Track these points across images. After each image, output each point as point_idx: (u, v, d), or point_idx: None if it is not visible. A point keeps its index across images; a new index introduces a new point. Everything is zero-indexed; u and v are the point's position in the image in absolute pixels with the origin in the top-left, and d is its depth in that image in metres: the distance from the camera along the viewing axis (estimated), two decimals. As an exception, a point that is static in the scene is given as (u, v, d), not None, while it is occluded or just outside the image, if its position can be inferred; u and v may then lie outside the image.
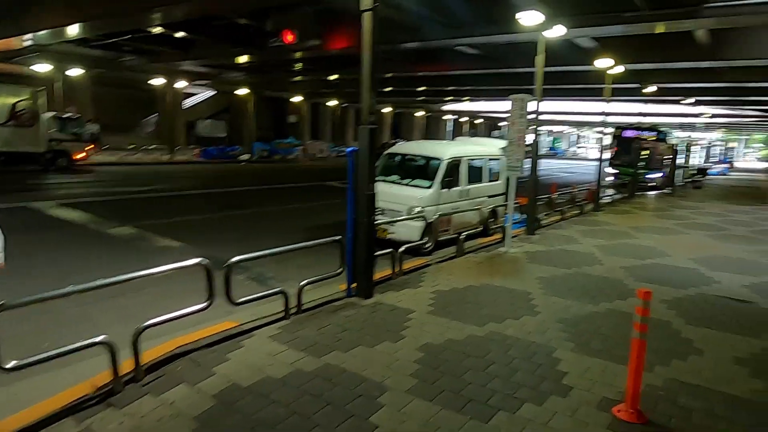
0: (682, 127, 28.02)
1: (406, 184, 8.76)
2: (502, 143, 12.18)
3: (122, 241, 8.40)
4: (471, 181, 9.33)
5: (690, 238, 10.03)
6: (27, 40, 22.06)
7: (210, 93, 42.26)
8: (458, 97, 39.64)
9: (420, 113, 54.12)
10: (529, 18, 8.37)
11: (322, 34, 16.67)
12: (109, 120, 30.91)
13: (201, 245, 8.17)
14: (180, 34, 21.13)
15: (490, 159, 10.04)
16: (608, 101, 14.13)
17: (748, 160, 74.89)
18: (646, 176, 21.70)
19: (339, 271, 5.43)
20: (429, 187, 8.50)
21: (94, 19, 17.63)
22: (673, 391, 3.66)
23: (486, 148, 10.35)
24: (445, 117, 58.95)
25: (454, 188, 8.85)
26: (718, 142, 60.40)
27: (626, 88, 20.74)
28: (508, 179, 10.57)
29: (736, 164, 54.39)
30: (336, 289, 5.66)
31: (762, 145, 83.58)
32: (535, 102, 9.14)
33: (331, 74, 30.20)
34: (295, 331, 4.48)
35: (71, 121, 19.44)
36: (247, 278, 6.63)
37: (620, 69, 14.32)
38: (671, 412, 3.38)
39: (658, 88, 20.51)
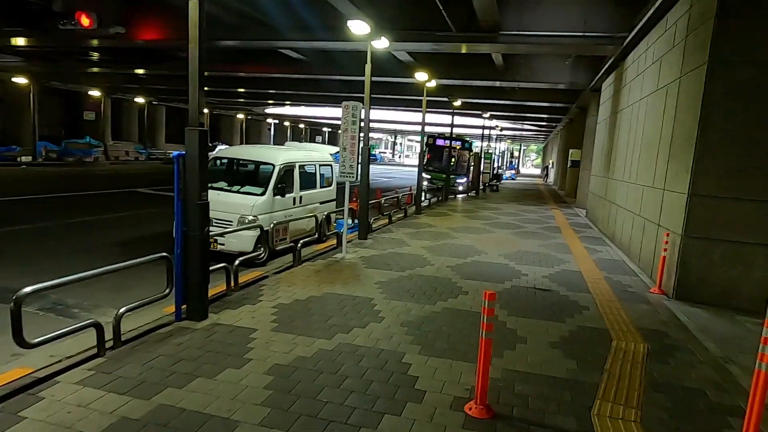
0: (481, 137, 32.20)
1: (236, 191, 8.19)
2: (333, 149, 12.31)
3: None
4: (303, 188, 9.15)
5: (497, 236, 11.35)
6: None
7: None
8: (280, 101, 39.08)
9: (240, 116, 52.09)
10: (357, 27, 8.53)
11: (126, 21, 14.75)
12: None
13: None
14: None
15: (322, 165, 10.00)
16: (425, 112, 15.28)
17: (527, 167, 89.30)
18: (456, 181, 24.16)
19: (166, 292, 4.74)
20: (261, 194, 8.06)
21: None
22: (510, 381, 3.98)
23: (317, 153, 10.29)
24: (267, 121, 57.71)
25: (288, 195, 8.56)
26: (506, 151, 70.61)
27: (439, 101, 22.82)
28: (337, 185, 10.76)
29: (520, 170, 64.25)
30: (161, 312, 4.95)
31: (535, 154, 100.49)
32: (364, 110, 9.37)
33: (137, 68, 27.09)
34: (114, 370, 3.74)
35: None
36: (41, 309, 5.43)
37: (433, 83, 15.62)
38: (512, 401, 3.65)
39: (463, 102, 22.98)
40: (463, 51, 14.80)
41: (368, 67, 9.26)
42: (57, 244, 8.84)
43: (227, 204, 7.79)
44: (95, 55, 25.10)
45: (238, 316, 5.07)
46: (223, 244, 7.59)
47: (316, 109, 45.74)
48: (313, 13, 13.31)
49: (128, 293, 5.99)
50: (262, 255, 7.40)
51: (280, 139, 56.87)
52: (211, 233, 7.73)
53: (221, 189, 8.18)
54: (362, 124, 8.55)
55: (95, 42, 18.92)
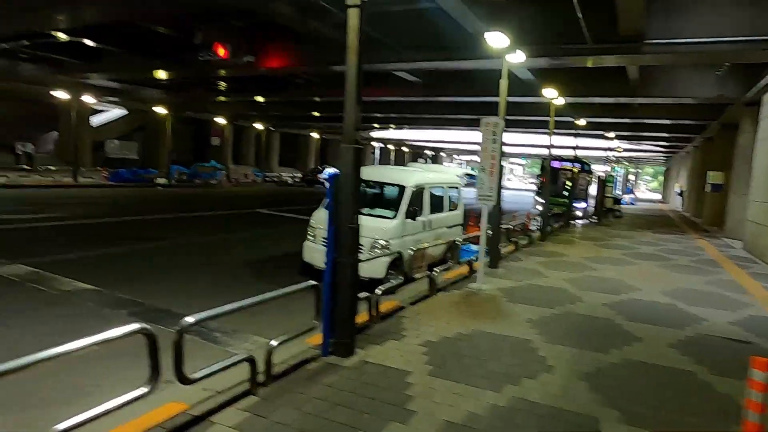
0: (606, 159, 29.88)
1: (366, 214, 7.84)
2: (460, 171, 11.73)
3: (14, 283, 6.66)
4: (433, 211, 8.61)
5: (644, 269, 9.94)
6: None
7: (121, 111, 39.05)
8: (386, 124, 39.58)
9: (347, 140, 53.51)
10: (495, 40, 7.92)
11: (255, 51, 15.52)
12: (2, 136, 27.29)
13: (120, 287, 6.68)
14: (88, 42, 18.94)
15: (450, 187, 9.43)
16: (552, 133, 14.21)
17: (642, 191, 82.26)
18: (574, 206, 22.42)
19: (314, 324, 4.34)
20: (393, 218, 7.64)
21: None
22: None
23: (445, 175, 9.74)
24: (372, 144, 59.00)
25: (418, 218, 8.07)
26: (623, 175, 65.69)
27: (561, 121, 21.48)
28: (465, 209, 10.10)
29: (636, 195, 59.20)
30: (304, 343, 4.56)
31: (650, 177, 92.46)
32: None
33: (257, 96, 28.88)
34: (269, 414, 3.34)
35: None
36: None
37: (561, 101, 14.53)
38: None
39: (587, 122, 21.41)
40: (589, 65, 13.61)
41: (504, 84, 8.57)
42: (188, 260, 9.09)
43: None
44: (223, 85, 27.15)
45: (385, 353, 4.55)
46: (353, 269, 7.24)
47: (420, 133, 45.81)
48: (433, 32, 12.99)
49: (263, 318, 5.76)
50: (397, 283, 6.91)
51: (384, 163, 57.80)
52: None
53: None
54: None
55: (222, 72, 20.34)
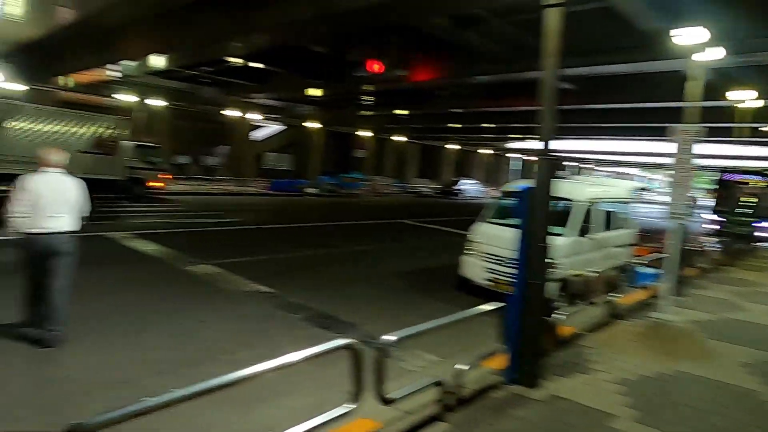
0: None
1: (532, 230, 7.34)
2: (630, 185, 10.62)
3: (202, 282, 7.40)
4: (605, 228, 7.81)
5: None
6: (113, 72, 22.78)
7: (277, 127, 42.91)
8: (527, 134, 37.96)
9: (485, 151, 52.71)
10: (690, 36, 6.95)
11: (406, 65, 15.88)
12: (183, 150, 31.56)
13: (290, 292, 7.05)
14: (256, 65, 21.07)
15: (622, 202, 8.50)
16: (740, 142, 12.24)
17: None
18: (754, 225, 19.12)
19: (498, 348, 4.05)
20: (563, 235, 7.05)
21: (175, 50, 17.72)
22: None
23: (617, 189, 8.82)
24: (509, 155, 57.24)
25: (589, 236, 7.36)
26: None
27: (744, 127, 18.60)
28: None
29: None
30: (481, 366, 4.27)
31: None
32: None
33: (399, 109, 29.65)
34: (465, 445, 3.11)
35: (150, 150, 19.43)
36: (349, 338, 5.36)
37: (760, 103, 12.47)
38: None
39: None
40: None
41: (696, 85, 7.50)
42: (346, 268, 9.37)
43: (523, 243, 7.00)
44: (368, 99, 28.38)
45: (575, 388, 4.07)
46: (517, 288, 6.81)
47: (562, 143, 43.07)
48: (595, 35, 12.02)
49: (440, 335, 5.65)
50: (574, 307, 6.31)
51: (525, 175, 55.59)
52: (508, 276, 6.99)
53: (515, 226, 7.44)
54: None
55: (372, 87, 21.18)
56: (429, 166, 52.22)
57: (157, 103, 25.10)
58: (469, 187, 40.33)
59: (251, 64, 21.22)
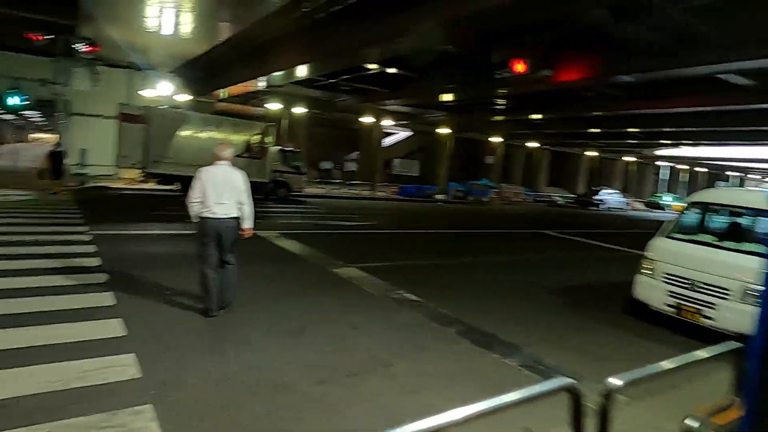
0: None
1: (731, 249, 6.10)
2: None
3: (349, 285, 7.31)
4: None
5: None
6: (261, 82, 24.55)
7: (405, 133, 43.47)
8: (681, 139, 33.76)
9: (629, 158, 48.18)
10: None
11: (552, 64, 14.76)
12: (319, 156, 33.28)
13: (437, 301, 6.64)
14: (392, 70, 21.25)
15: None
16: None
17: None
18: None
19: (729, 400, 3.18)
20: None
21: (318, 60, 18.49)
22: None
23: None
24: (655, 164, 51.71)
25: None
26: None
27: None
28: None
29: None
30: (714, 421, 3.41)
31: None
32: None
33: (533, 113, 28.13)
34: None
35: (292, 155, 20.61)
36: (523, 365, 4.76)
37: None
38: None
39: None
40: None
41: None
42: (491, 279, 8.73)
43: (720, 265, 5.81)
44: (500, 103, 27.31)
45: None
46: (711, 319, 5.67)
47: (723, 150, 37.64)
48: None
49: (587, 357, 4.84)
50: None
51: (674, 185, 49.95)
52: (697, 302, 5.89)
53: (708, 244, 6.26)
54: None
55: (509, 90, 20.24)
56: (561, 174, 49.16)
57: (298, 110, 26.61)
58: (609, 197, 37.03)
59: (388, 70, 21.51)
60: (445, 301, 6.67)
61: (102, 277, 6.30)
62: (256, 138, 19.40)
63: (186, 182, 18.34)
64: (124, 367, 3.94)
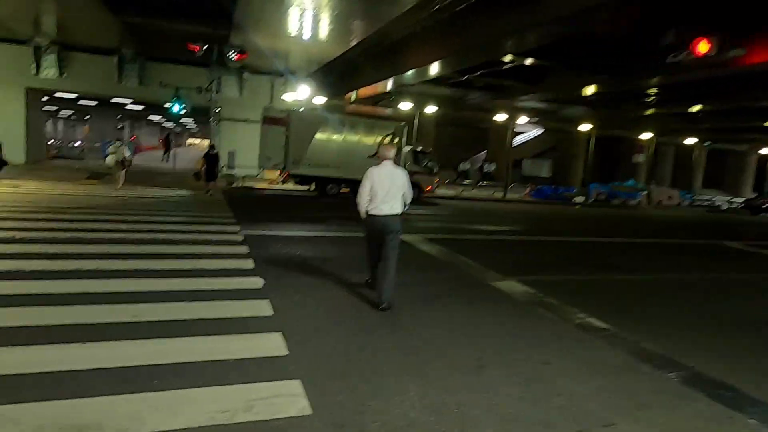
0: None
1: None
2: None
3: (519, 303, 6.29)
4: None
5: None
6: (390, 83, 24.31)
7: (535, 131, 40.92)
8: None
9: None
10: None
11: (746, 42, 12.24)
12: (445, 156, 32.44)
13: (629, 330, 5.38)
14: (532, 61, 19.57)
15: None
16: None
17: None
18: None
19: None
20: None
21: (455, 55, 17.59)
22: None
23: None
24: None
25: None
26: None
27: None
28: None
29: None
30: None
31: None
32: None
33: (692, 105, 24.36)
34: None
35: (424, 155, 20.01)
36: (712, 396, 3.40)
37: None
38: None
39: None
40: None
41: None
42: (680, 303, 7.10)
43: None
44: (652, 95, 24.12)
45: None
46: None
47: None
48: None
49: None
50: None
51: None
52: None
53: None
54: None
55: (661, 77, 17.52)
56: (719, 174, 42.71)
57: (429, 110, 26.02)
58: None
59: (526, 62, 19.91)
60: (642, 332, 5.38)
61: (257, 282, 6.04)
62: (388, 138, 19.11)
63: (321, 183, 18.74)
64: (293, 397, 3.39)
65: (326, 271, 7.01)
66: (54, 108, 49.58)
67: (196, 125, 62.88)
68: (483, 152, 39.29)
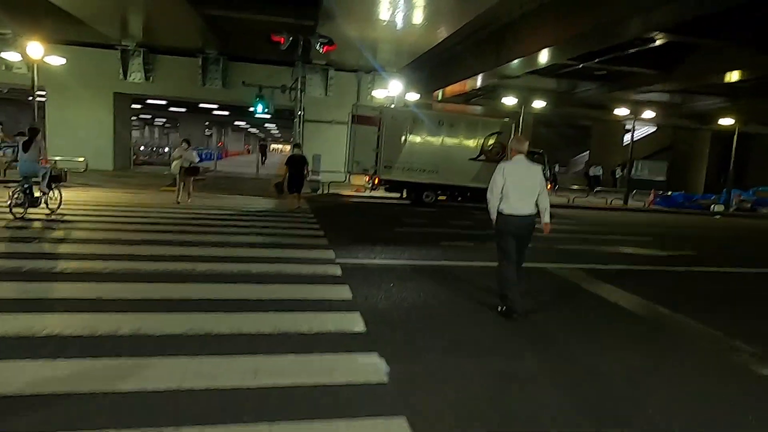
0: None
1: None
2: None
3: (727, 365, 3.48)
4: None
5: None
6: (491, 76, 21.46)
7: (647, 129, 36.14)
8: None
9: None
10: None
11: None
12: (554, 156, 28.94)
13: None
14: (659, 41, 15.90)
15: None
16: None
17: None
18: None
19: None
20: None
21: (574, 38, 14.53)
22: None
23: None
24: None
25: None
26: None
27: None
28: None
29: None
30: None
31: None
32: None
33: None
34: None
35: (533, 157, 16.99)
36: None
37: None
38: None
39: None
40: None
41: None
42: None
43: None
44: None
45: None
46: None
47: None
48: None
49: None
50: None
51: None
52: None
53: None
54: None
55: None
56: None
57: (536, 104, 22.93)
58: None
59: (657, 41, 16.28)
60: None
61: (377, 367, 3.67)
62: (493, 138, 16.40)
63: (415, 190, 16.32)
64: None
65: (479, 342, 4.56)
66: (149, 116, 51.76)
67: (278, 130, 63.39)
68: (585, 153, 35.23)
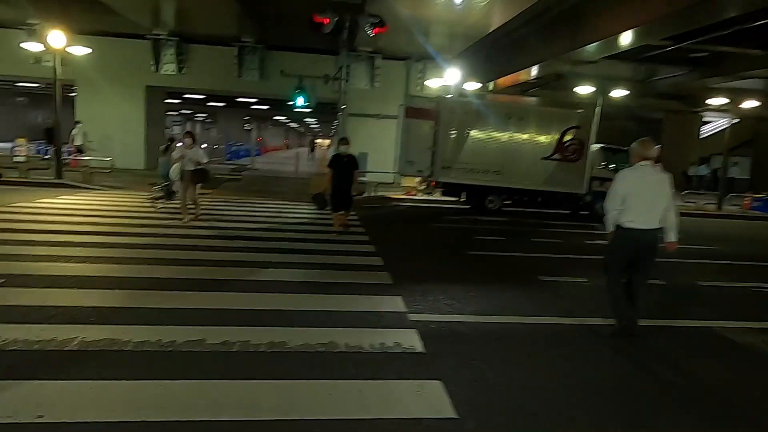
0: None
1: None
2: None
3: None
4: None
5: None
6: (535, 70, 18.73)
7: (723, 121, 32.37)
8: None
9: None
10: None
11: None
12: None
13: None
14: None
15: None
16: None
17: None
18: None
19: None
20: None
21: (667, 16, 11.84)
22: None
23: None
24: None
25: None
26: None
27: None
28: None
29: None
30: None
31: None
32: None
33: None
34: None
35: (617, 155, 14.39)
36: None
37: None
38: None
39: None
40: None
41: None
42: None
43: None
44: None
45: None
46: None
47: None
48: None
49: None
50: None
51: None
52: None
53: None
54: None
55: None
56: None
57: (620, 93, 20.16)
58: None
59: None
60: None
61: None
62: (570, 133, 13.90)
63: (477, 194, 13.68)
64: None
65: None
66: (189, 111, 51.11)
67: (318, 125, 61.87)
68: (656, 147, 31.85)
